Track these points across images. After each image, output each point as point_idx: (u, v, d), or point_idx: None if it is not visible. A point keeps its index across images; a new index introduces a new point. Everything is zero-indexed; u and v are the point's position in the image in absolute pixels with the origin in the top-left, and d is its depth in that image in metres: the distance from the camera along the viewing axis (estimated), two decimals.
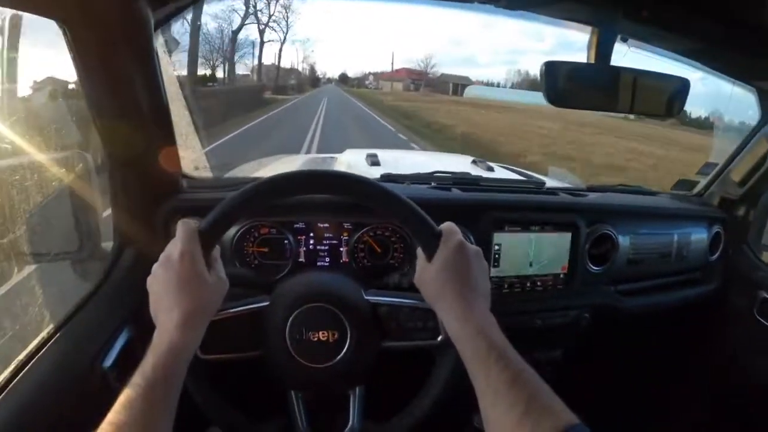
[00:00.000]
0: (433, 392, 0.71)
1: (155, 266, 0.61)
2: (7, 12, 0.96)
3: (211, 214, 0.62)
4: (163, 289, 0.58)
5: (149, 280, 0.61)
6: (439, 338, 0.71)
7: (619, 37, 0.94)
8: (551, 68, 0.90)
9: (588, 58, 0.92)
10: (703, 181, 1.37)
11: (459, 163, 1.80)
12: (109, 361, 0.78)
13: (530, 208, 1.03)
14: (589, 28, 0.92)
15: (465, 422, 1.06)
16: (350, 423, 0.73)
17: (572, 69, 0.91)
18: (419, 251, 0.66)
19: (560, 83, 0.91)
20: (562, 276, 1.02)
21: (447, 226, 0.65)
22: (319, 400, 0.75)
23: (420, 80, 52.38)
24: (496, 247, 0.97)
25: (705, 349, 1.36)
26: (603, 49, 0.91)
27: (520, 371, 0.53)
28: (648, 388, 1.38)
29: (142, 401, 0.50)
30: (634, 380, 1.37)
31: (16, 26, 0.99)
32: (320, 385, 0.74)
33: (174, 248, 0.59)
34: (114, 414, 0.49)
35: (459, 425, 1.08)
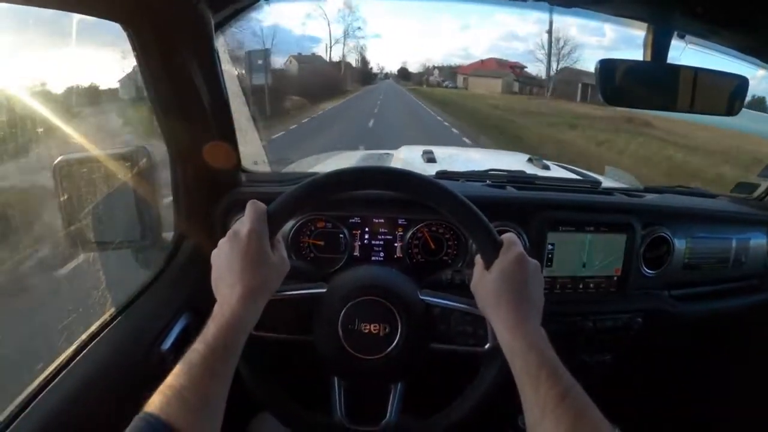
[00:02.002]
0: (474, 398, 0.71)
1: (221, 241, 0.63)
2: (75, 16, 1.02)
3: (280, 197, 0.64)
4: (227, 264, 0.60)
5: (214, 253, 0.63)
6: (487, 346, 0.71)
7: (675, 33, 0.92)
8: (606, 66, 0.89)
9: (644, 55, 0.90)
10: (764, 184, 1.31)
11: (514, 161, 1.78)
12: (167, 345, 0.82)
13: (585, 208, 1.01)
14: (643, 25, 0.91)
15: (509, 422, 1.05)
16: (387, 416, 0.74)
17: (628, 67, 0.90)
18: (477, 258, 0.66)
19: (616, 82, 0.89)
20: (615, 278, 0.99)
21: (508, 236, 0.66)
22: (360, 391, 0.76)
23: (532, 79, 32.23)
24: (550, 247, 0.95)
25: (760, 359, 1.29)
26: (659, 47, 0.89)
27: (569, 389, 0.53)
28: (698, 396, 1.32)
29: (200, 368, 0.51)
30: (684, 387, 1.32)
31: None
32: (364, 376, 0.74)
33: (242, 226, 0.61)
34: (174, 377, 0.51)
35: (503, 425, 1.07)
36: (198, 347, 0.53)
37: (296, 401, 0.72)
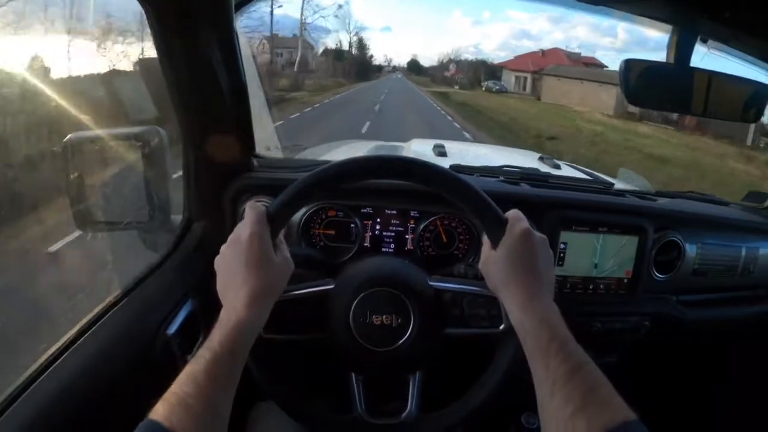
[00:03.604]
0: (491, 382, 0.70)
1: (223, 247, 0.62)
2: None
3: (279, 197, 0.63)
4: (231, 269, 0.60)
5: (217, 259, 0.63)
6: (501, 327, 0.70)
7: (698, 37, 0.91)
8: (628, 66, 0.88)
9: (667, 57, 0.90)
10: None
11: (526, 159, 1.76)
12: (172, 329, 0.80)
13: (599, 209, 1.00)
14: (665, 27, 0.90)
15: (513, 420, 1.05)
16: (408, 408, 0.73)
17: (647, 68, 0.90)
18: (484, 238, 0.66)
19: (635, 82, 0.89)
20: (625, 281, 0.99)
21: (513, 213, 0.65)
22: (378, 384, 0.75)
23: None
24: (562, 246, 0.95)
25: (763, 368, 1.30)
26: (682, 50, 0.89)
27: (581, 364, 0.52)
28: (701, 401, 1.33)
29: (206, 375, 0.51)
30: (687, 392, 1.32)
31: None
32: (380, 369, 0.74)
33: (243, 230, 0.60)
34: (178, 385, 0.50)
35: (507, 423, 1.06)
36: (204, 354, 0.53)
37: (315, 399, 0.71)
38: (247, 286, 0.58)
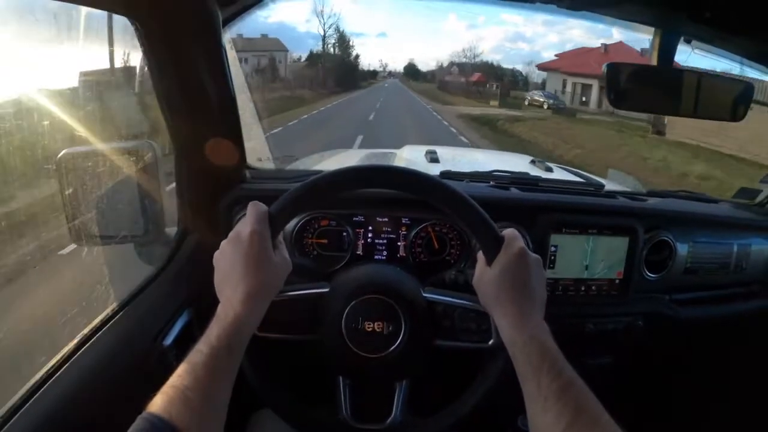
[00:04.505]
0: (477, 395, 0.71)
1: (224, 243, 0.63)
2: (83, 10, 1.02)
3: (282, 198, 0.64)
4: (230, 265, 0.61)
5: (216, 255, 0.64)
6: (490, 342, 0.71)
7: (682, 38, 0.92)
8: (613, 69, 0.89)
9: (651, 59, 0.91)
10: (765, 190, 1.31)
11: (518, 163, 1.76)
12: (169, 340, 0.82)
13: (589, 211, 1.01)
14: (652, 29, 0.91)
15: (509, 423, 1.05)
16: (393, 414, 0.74)
17: (634, 70, 0.91)
18: (479, 254, 0.67)
19: (622, 84, 0.90)
20: (617, 281, 0.99)
21: (510, 232, 0.66)
22: (365, 389, 0.76)
23: None
24: (553, 249, 0.95)
25: (759, 365, 1.30)
26: (666, 51, 0.91)
27: (571, 382, 0.53)
28: (698, 400, 1.33)
29: (204, 368, 0.52)
30: (683, 391, 1.32)
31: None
32: (368, 375, 0.75)
33: (244, 227, 0.61)
34: (177, 378, 0.51)
35: (503, 426, 1.07)
36: (201, 348, 0.54)
37: (302, 401, 0.72)
38: (245, 282, 0.59)
